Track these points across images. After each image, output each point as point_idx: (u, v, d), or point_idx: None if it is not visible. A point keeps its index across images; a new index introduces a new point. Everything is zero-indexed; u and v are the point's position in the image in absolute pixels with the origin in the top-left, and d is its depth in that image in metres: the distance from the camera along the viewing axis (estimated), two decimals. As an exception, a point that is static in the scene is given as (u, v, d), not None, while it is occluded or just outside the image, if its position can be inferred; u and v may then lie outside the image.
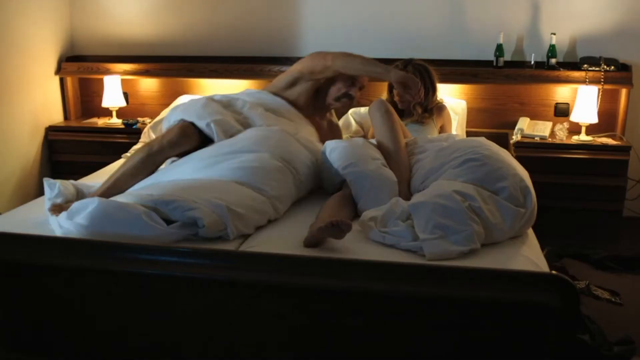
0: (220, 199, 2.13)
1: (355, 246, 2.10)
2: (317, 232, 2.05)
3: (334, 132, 3.13)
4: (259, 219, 2.25)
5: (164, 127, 2.85)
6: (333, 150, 2.52)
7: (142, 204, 2.07)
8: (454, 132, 3.42)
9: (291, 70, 3.04)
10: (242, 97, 2.96)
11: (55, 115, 4.14)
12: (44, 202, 2.56)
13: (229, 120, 2.72)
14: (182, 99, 3.92)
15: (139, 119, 4.06)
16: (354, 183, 2.41)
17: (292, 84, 3.01)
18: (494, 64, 3.79)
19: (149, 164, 2.57)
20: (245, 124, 2.78)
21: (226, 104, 2.87)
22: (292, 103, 2.99)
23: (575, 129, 3.71)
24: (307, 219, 2.28)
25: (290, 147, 2.57)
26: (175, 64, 4.06)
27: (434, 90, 3.17)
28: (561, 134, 3.65)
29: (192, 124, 2.69)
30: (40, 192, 3.61)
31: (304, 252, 2.06)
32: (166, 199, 2.07)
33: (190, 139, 2.66)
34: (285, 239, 2.20)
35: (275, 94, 3.02)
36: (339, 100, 2.99)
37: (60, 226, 2.09)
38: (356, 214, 2.37)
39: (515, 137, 3.58)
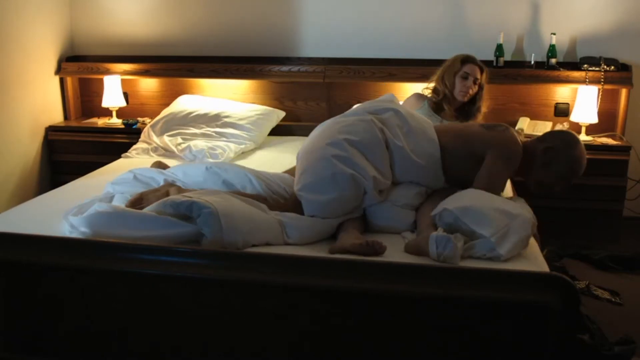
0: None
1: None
2: (350, 247, 2.04)
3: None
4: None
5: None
6: None
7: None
8: None
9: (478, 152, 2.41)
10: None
11: (55, 115, 4.14)
12: (43, 202, 2.56)
13: None
14: (182, 99, 3.93)
15: (139, 119, 4.06)
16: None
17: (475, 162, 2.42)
18: (494, 64, 3.79)
19: None
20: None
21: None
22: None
23: (575, 129, 3.70)
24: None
25: None
26: (175, 64, 4.06)
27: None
28: (561, 134, 3.65)
29: None
30: (39, 192, 3.62)
31: (305, 253, 2.05)
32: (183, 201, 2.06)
33: None
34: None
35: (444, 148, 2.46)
36: (538, 187, 2.46)
37: (72, 226, 2.12)
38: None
39: (515, 137, 3.58)
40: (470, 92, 3.21)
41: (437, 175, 2.44)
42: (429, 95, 3.29)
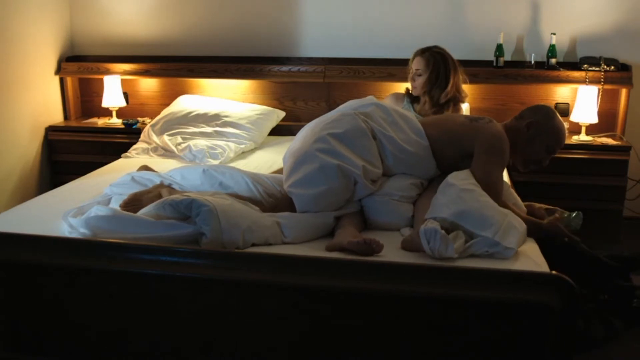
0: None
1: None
2: (347, 245, 2.04)
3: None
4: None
5: None
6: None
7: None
8: None
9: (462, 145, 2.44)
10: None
11: (55, 115, 4.14)
12: (43, 202, 2.56)
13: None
14: (182, 99, 3.93)
15: (139, 119, 4.06)
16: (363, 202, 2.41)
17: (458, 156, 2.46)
18: (494, 64, 3.79)
19: None
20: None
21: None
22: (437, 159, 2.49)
23: (575, 129, 3.71)
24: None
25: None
26: (175, 64, 4.06)
27: (447, 83, 3.04)
28: (561, 134, 3.64)
29: None
30: (39, 192, 3.62)
31: (304, 252, 2.06)
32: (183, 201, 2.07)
33: None
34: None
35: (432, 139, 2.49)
36: (527, 165, 2.53)
37: (72, 226, 2.12)
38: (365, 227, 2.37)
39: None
40: (417, 85, 3.08)
41: (429, 162, 2.46)
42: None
